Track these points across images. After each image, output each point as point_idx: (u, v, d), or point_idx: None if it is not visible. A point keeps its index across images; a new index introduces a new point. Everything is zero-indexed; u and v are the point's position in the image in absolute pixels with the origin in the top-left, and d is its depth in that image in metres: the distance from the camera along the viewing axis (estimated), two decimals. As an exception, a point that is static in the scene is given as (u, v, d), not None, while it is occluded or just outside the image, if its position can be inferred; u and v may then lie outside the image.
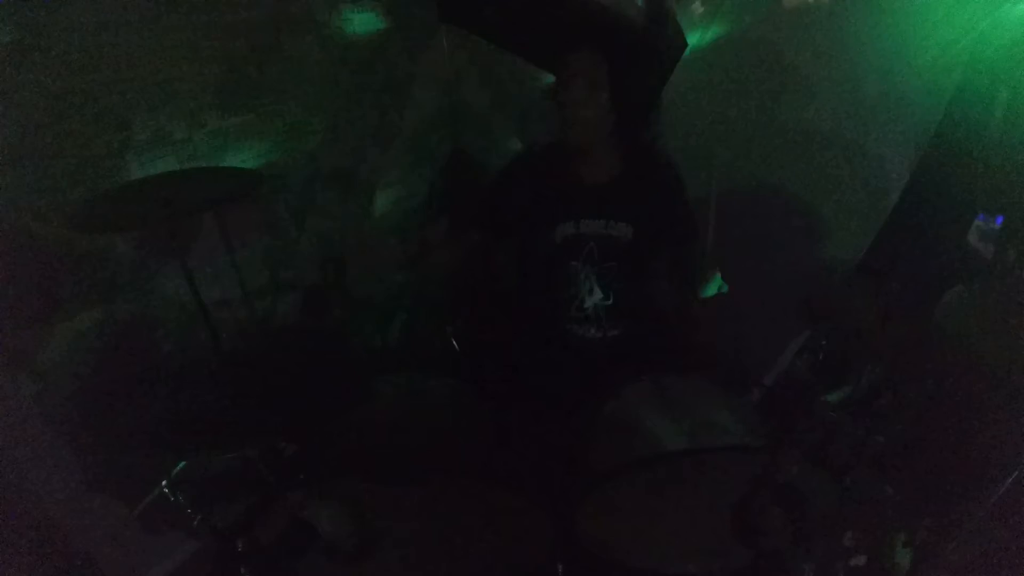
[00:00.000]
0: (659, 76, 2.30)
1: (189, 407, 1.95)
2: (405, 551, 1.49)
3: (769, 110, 2.80)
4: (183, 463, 1.92)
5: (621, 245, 2.08)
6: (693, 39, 2.67)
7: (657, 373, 1.80)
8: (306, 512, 1.45)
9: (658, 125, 2.73)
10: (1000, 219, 2.34)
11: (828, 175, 2.73)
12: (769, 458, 1.40)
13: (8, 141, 1.88)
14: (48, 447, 2.06)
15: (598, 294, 2.12)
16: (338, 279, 2.63)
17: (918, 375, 2.12)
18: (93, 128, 2.05)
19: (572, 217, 2.07)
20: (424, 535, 1.50)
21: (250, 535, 1.46)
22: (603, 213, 2.07)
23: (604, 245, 2.08)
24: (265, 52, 2.34)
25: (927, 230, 2.43)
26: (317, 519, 1.44)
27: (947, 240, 2.40)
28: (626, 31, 2.14)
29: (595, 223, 2.08)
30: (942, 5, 2.36)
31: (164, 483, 1.86)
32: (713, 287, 2.04)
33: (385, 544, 1.47)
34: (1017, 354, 1.83)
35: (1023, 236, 2.19)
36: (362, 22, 2.64)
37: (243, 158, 2.36)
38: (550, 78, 2.17)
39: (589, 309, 2.12)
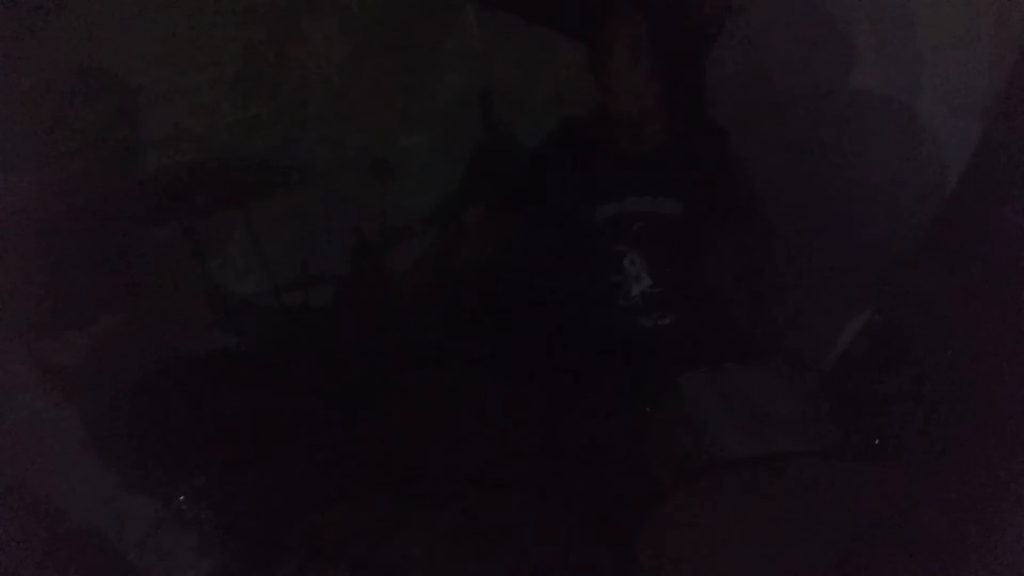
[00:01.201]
0: (706, 36, 2.14)
1: (215, 412, 1.86)
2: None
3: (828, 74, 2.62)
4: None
5: (670, 224, 1.93)
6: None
7: (714, 363, 1.67)
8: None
9: (707, 91, 2.58)
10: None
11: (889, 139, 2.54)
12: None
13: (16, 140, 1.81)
14: (75, 453, 2.01)
15: (646, 280, 1.97)
16: (370, 270, 2.53)
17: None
18: (108, 120, 1.98)
19: (615, 196, 1.93)
20: (458, 561, 1.35)
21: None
22: (649, 190, 1.92)
23: (652, 225, 1.93)
24: (283, 37, 2.24)
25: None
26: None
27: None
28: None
29: (641, 201, 1.93)
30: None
31: (182, 497, 1.77)
32: None
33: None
34: None
35: None
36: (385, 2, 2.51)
37: (265, 148, 2.26)
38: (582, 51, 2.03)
39: (637, 297, 1.98)
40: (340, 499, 1.45)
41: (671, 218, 1.93)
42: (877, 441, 1.62)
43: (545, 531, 1.34)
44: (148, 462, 1.92)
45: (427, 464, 1.53)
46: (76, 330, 2.03)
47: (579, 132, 2.02)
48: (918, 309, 2.23)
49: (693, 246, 2.01)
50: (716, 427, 1.49)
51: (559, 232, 2.04)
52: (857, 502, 1.27)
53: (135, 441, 1.89)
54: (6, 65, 1.80)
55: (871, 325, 2.43)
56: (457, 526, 1.35)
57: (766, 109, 2.53)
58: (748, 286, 1.97)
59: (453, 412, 1.71)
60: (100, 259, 2.03)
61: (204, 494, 1.82)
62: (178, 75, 2.10)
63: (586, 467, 1.59)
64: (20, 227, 1.86)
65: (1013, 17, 2.12)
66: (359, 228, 2.47)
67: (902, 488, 1.31)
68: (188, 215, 1.92)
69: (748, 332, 1.91)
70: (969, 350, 1.97)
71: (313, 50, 2.35)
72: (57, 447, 1.99)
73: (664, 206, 1.93)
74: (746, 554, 1.30)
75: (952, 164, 2.31)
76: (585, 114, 2.01)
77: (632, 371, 1.89)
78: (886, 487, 1.29)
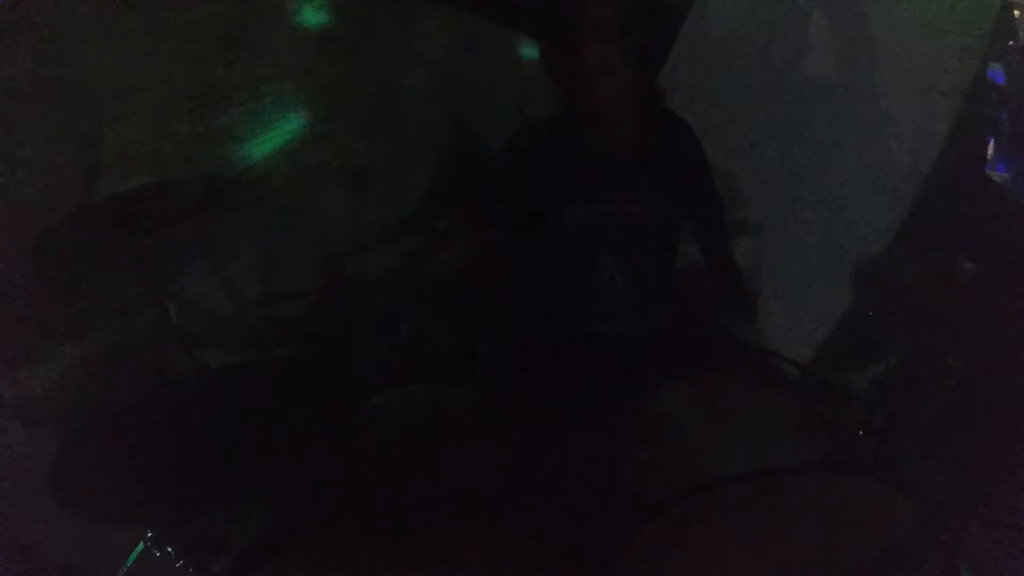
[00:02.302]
0: (671, 24, 2.09)
1: (176, 446, 1.78)
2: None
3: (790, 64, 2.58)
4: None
5: (643, 227, 1.87)
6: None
7: (695, 372, 1.62)
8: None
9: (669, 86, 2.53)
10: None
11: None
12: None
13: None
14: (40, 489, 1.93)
15: (621, 285, 1.91)
16: (336, 283, 2.46)
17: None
18: (55, 145, 1.89)
19: (584, 199, 1.87)
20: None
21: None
22: (620, 192, 1.87)
23: (624, 227, 1.87)
24: (234, 48, 2.15)
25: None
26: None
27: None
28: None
29: (611, 204, 1.87)
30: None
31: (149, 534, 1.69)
32: None
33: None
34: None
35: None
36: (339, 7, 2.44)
37: (221, 164, 2.18)
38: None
39: (612, 303, 1.92)
40: (307, 532, 1.39)
41: (643, 219, 1.87)
42: (861, 432, 1.58)
43: (521, 562, 1.28)
44: (111, 499, 1.85)
45: (396, 492, 1.47)
46: (32, 364, 1.94)
47: (543, 134, 1.95)
48: (896, 301, 2.19)
49: (667, 248, 1.95)
50: (700, 442, 1.43)
51: (529, 239, 1.98)
52: (851, 517, 1.22)
53: (96, 478, 1.82)
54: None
55: (849, 320, 2.39)
56: (430, 558, 1.28)
57: (732, 103, 2.48)
58: (721, 287, 1.92)
59: (421, 434, 1.65)
60: (53, 288, 1.94)
61: (170, 531, 1.74)
62: (126, 91, 2.01)
63: (563, 489, 1.53)
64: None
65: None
66: (322, 240, 2.41)
67: (893, 500, 1.27)
68: (144, 238, 1.84)
69: (727, 337, 1.86)
70: (950, 343, 1.94)
71: (267, 59, 2.27)
72: (24, 483, 1.90)
73: (636, 208, 1.87)
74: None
75: (926, 153, 2.28)
76: (548, 115, 1.95)
77: (610, 383, 1.83)
78: (878, 500, 1.24)
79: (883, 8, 2.30)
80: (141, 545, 1.68)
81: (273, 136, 2.30)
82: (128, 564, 1.73)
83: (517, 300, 2.11)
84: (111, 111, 1.97)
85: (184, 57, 2.07)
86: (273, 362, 2.23)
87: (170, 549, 1.69)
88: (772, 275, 2.27)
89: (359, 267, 2.48)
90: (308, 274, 2.41)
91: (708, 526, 1.29)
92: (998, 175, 2.23)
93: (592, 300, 1.92)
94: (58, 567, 1.87)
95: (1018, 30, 2.14)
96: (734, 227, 2.30)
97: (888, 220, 2.32)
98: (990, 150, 2.20)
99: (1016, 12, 2.13)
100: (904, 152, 2.34)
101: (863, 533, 1.21)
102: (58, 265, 1.95)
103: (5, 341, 1.86)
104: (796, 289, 2.37)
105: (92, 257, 2.00)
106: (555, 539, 1.27)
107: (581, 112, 1.83)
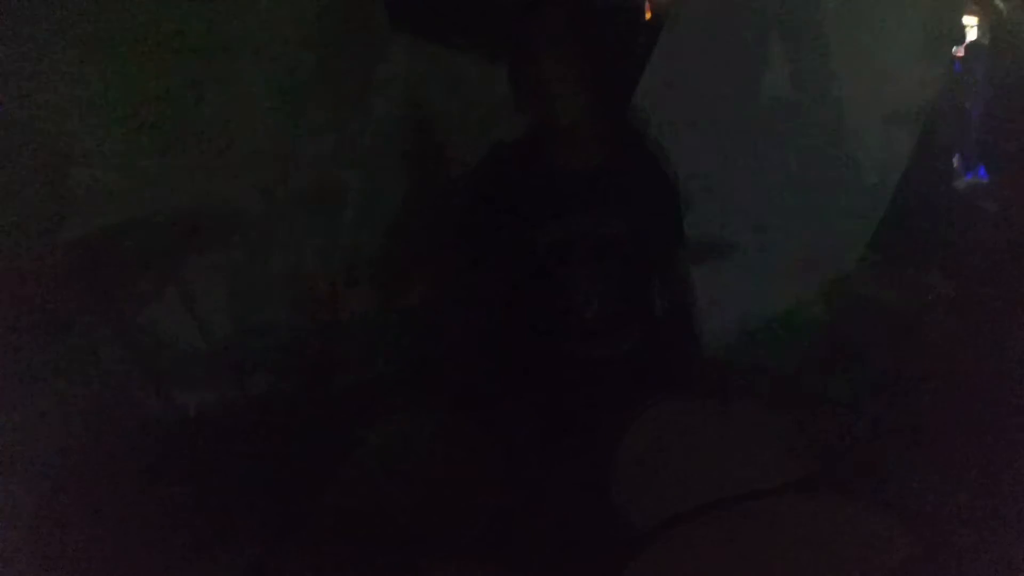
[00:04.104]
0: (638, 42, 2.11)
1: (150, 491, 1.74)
2: None
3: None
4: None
5: (617, 245, 1.87)
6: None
7: (674, 392, 1.61)
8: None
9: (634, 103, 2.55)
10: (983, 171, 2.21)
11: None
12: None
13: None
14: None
15: (597, 305, 1.90)
16: (311, 316, 2.42)
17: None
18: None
19: (558, 217, 1.86)
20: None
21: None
22: (593, 210, 1.86)
23: (598, 247, 1.86)
24: (201, 80, 2.13)
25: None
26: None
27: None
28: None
29: (585, 221, 1.86)
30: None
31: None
32: None
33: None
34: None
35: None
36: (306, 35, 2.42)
37: (188, 199, 2.15)
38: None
39: (590, 323, 1.90)
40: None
41: (616, 236, 1.87)
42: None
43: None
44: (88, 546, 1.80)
45: (380, 529, 1.44)
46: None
47: (512, 155, 1.95)
48: (868, 314, 2.22)
49: (641, 265, 1.95)
50: (685, 465, 1.42)
51: (502, 261, 1.97)
52: (836, 537, 1.22)
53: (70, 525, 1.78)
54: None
55: (822, 334, 2.41)
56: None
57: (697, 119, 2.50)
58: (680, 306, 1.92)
59: (403, 467, 1.62)
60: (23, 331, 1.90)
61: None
62: (93, 127, 1.98)
63: (549, 520, 1.50)
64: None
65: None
66: (293, 274, 2.39)
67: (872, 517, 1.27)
68: (114, 279, 1.81)
69: (702, 355, 1.86)
70: (923, 357, 1.96)
71: (234, 91, 2.25)
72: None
73: (610, 226, 1.87)
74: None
75: (892, 168, 2.31)
76: (517, 136, 1.94)
77: (590, 405, 1.82)
78: (864, 519, 1.24)
79: (847, 29, 2.34)
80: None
81: (242, 169, 2.28)
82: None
83: (492, 323, 2.10)
84: (78, 149, 1.95)
85: (152, 90, 2.05)
86: (247, 399, 2.20)
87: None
88: (746, 292, 2.28)
89: (333, 299, 2.46)
90: (282, 308, 2.39)
91: (694, 548, 1.28)
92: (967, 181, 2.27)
93: (568, 320, 1.91)
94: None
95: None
96: (706, 244, 2.33)
97: (859, 234, 2.35)
98: (955, 161, 2.25)
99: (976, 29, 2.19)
100: (871, 167, 2.37)
101: (849, 552, 1.21)
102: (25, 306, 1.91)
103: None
104: (770, 305, 2.39)
105: (59, 297, 1.96)
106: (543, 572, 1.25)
107: (548, 129, 1.83)
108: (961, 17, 2.28)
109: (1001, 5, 2.22)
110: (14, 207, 1.86)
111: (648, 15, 2.50)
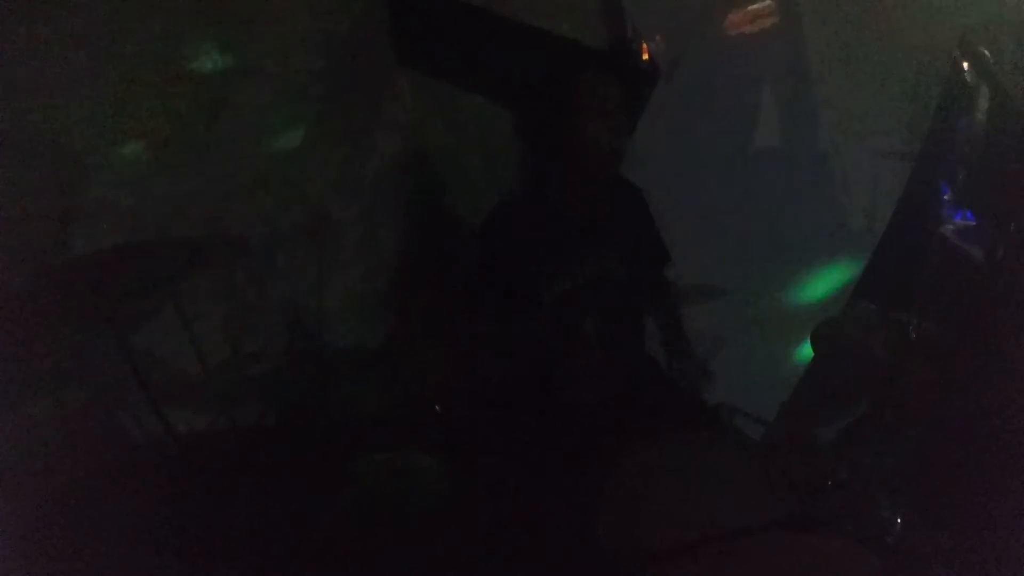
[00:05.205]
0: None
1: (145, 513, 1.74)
2: None
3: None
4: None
5: (620, 291, 1.89)
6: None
7: (670, 433, 1.62)
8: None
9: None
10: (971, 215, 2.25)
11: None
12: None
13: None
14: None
15: (602, 348, 1.90)
16: (306, 347, 2.43)
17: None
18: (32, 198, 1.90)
19: (565, 266, 1.88)
20: None
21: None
22: (597, 257, 1.88)
23: (602, 293, 1.89)
24: (213, 107, 2.19)
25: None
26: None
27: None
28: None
29: (591, 268, 1.88)
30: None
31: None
32: None
33: None
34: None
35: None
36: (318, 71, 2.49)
37: (195, 223, 2.19)
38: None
39: (595, 368, 1.91)
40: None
41: (620, 284, 1.88)
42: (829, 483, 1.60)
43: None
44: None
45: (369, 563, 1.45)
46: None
47: (521, 207, 1.96)
48: (858, 354, 2.24)
49: (638, 309, 1.97)
50: (671, 503, 1.43)
51: (511, 312, 1.96)
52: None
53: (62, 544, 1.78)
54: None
55: (812, 373, 2.44)
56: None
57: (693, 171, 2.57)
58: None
59: (393, 503, 1.64)
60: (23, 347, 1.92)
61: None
62: (107, 148, 2.03)
63: (543, 561, 1.51)
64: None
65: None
66: (293, 303, 2.40)
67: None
68: (116, 298, 1.83)
69: (698, 396, 1.88)
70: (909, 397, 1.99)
71: (244, 120, 2.30)
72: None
73: (613, 273, 1.88)
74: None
75: (881, 207, 2.36)
76: (522, 188, 1.95)
77: (589, 448, 1.80)
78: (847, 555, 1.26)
79: (837, 75, 2.42)
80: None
81: (248, 196, 2.32)
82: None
83: (489, 367, 2.10)
84: (89, 165, 1.99)
85: (164, 114, 2.10)
86: (241, 426, 2.20)
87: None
88: (735, 335, 2.31)
89: (330, 333, 2.48)
90: (279, 337, 2.40)
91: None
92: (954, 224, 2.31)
93: (569, 366, 1.91)
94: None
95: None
96: (696, 290, 2.37)
97: (845, 279, 2.40)
98: (944, 202, 2.28)
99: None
100: (859, 214, 2.43)
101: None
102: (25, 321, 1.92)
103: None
104: (759, 349, 2.42)
105: (61, 314, 1.98)
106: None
107: (583, 178, 1.85)
108: (947, 64, 2.33)
109: (987, 52, 2.28)
110: (25, 221, 1.89)
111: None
